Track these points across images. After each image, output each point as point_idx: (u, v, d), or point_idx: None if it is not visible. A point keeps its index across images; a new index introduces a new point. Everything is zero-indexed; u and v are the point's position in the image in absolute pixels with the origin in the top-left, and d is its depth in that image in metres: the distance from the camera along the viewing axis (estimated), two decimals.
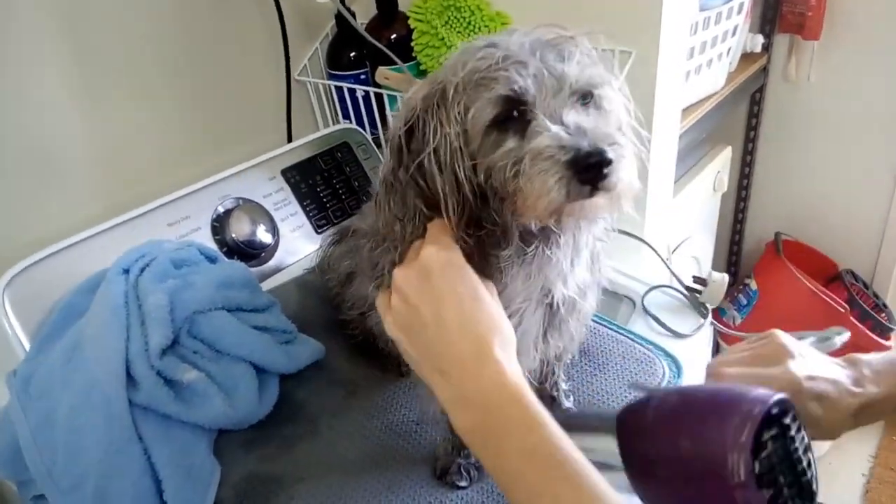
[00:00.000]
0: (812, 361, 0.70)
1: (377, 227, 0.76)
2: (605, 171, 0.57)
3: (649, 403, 0.59)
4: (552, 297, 0.72)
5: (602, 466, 0.57)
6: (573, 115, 0.60)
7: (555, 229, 0.67)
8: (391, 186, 0.66)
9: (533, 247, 0.67)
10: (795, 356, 0.70)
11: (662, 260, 1.20)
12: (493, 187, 0.63)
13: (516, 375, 0.59)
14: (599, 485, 0.53)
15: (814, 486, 0.53)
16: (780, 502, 0.51)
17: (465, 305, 0.61)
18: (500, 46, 0.62)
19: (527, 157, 0.59)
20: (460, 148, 0.63)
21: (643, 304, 1.10)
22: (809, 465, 0.53)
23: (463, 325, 0.60)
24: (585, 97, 0.63)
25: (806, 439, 0.54)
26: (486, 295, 0.63)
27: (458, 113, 0.62)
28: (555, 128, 0.58)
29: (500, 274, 0.69)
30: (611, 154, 0.57)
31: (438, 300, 0.61)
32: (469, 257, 0.65)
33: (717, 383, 0.72)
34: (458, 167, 0.63)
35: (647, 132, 0.71)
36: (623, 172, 0.58)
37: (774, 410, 0.52)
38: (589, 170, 0.57)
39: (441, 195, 0.63)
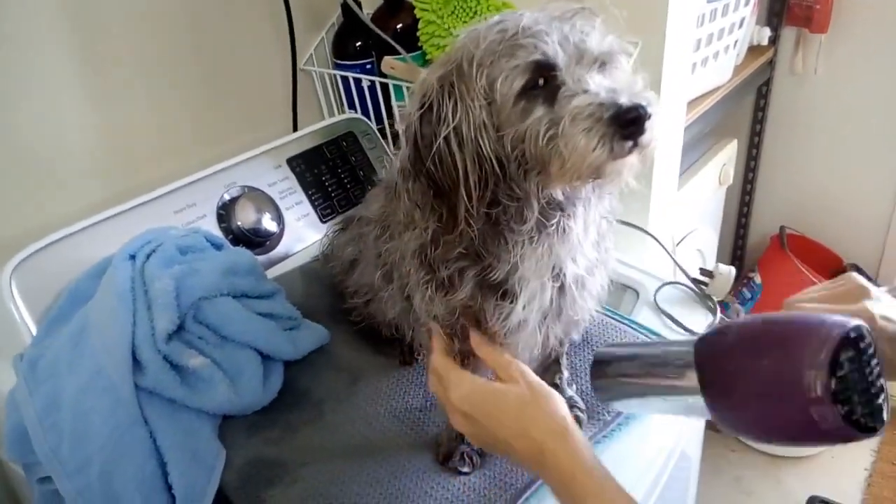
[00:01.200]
0: (889, 304, 0.72)
1: (385, 213, 0.76)
2: (646, 125, 0.58)
3: (731, 327, 0.62)
4: (563, 276, 0.72)
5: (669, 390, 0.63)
6: (599, 79, 0.61)
7: (572, 202, 0.68)
8: (409, 174, 0.66)
9: (553, 221, 0.67)
10: (872, 297, 0.72)
11: (667, 252, 1.20)
12: (518, 159, 0.63)
13: (569, 455, 0.65)
14: None
15: (885, 410, 0.55)
16: (854, 419, 0.53)
17: (505, 419, 0.69)
18: (514, 18, 0.63)
19: (566, 119, 0.59)
20: (485, 121, 0.62)
21: (656, 302, 1.09)
22: (882, 390, 0.55)
23: (512, 434, 0.69)
24: (604, 65, 0.64)
25: (879, 367, 0.55)
26: (508, 398, 0.70)
27: (482, 86, 0.62)
28: (591, 87, 0.59)
29: (508, 254, 0.69)
30: (650, 108, 0.58)
31: (485, 429, 0.71)
32: (472, 241, 0.67)
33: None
34: (483, 141, 0.62)
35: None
36: (656, 129, 0.60)
37: (852, 335, 0.54)
38: (632, 124, 0.58)
39: (461, 174, 0.63)
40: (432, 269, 0.72)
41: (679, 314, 1.06)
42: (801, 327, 0.56)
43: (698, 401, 0.61)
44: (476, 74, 0.62)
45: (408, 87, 1.31)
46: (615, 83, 0.61)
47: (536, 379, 0.71)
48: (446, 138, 0.62)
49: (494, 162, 0.63)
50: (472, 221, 0.65)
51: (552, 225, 0.68)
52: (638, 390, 0.70)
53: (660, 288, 1.11)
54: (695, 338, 0.64)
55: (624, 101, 0.57)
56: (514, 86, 0.61)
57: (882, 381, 0.55)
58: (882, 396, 0.55)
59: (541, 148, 0.61)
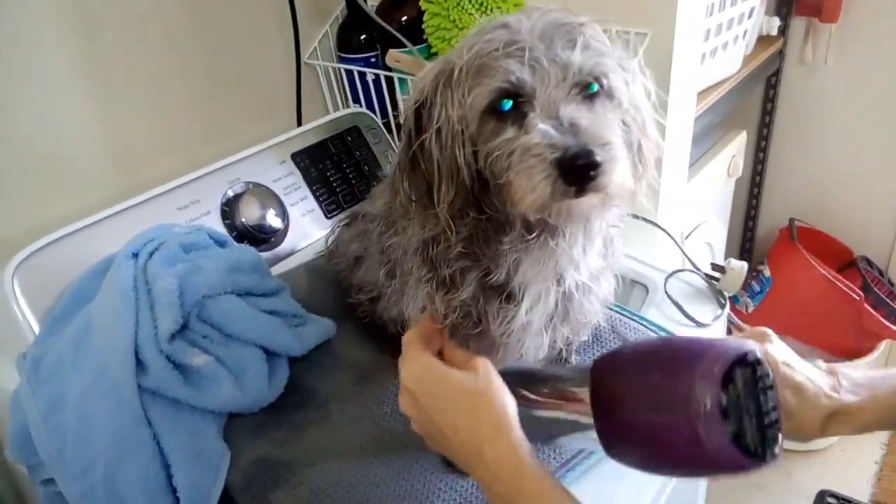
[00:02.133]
0: (793, 356, 0.70)
1: (389, 209, 0.75)
2: (593, 173, 0.55)
3: (627, 345, 0.60)
4: (565, 283, 0.71)
5: (569, 426, 0.60)
6: (571, 109, 0.58)
7: (555, 222, 0.65)
8: (405, 165, 0.66)
9: (535, 235, 0.66)
10: (775, 343, 0.71)
11: (678, 245, 1.19)
12: (492, 174, 0.62)
13: (510, 450, 0.61)
14: None
15: (777, 443, 0.52)
16: (743, 444, 0.51)
17: (449, 409, 0.65)
18: (510, 28, 0.61)
19: (517, 152, 0.58)
20: (462, 131, 0.62)
21: (666, 290, 1.08)
22: (775, 424, 0.53)
23: (455, 426, 0.64)
24: (591, 86, 0.61)
25: (776, 401, 0.53)
26: (455, 386, 0.66)
27: (462, 96, 0.61)
28: (546, 124, 0.57)
29: (503, 259, 0.68)
30: (599, 157, 0.55)
31: (430, 416, 0.67)
32: (469, 241, 0.66)
33: None
34: (459, 151, 0.62)
35: (663, 117, 0.69)
36: (614, 174, 0.57)
37: (749, 357, 0.52)
38: (575, 171, 0.55)
39: (436, 177, 0.63)
40: (434, 266, 0.71)
41: (688, 307, 1.05)
42: (699, 346, 0.54)
43: (592, 431, 0.59)
44: (458, 83, 0.61)
45: (413, 81, 1.29)
46: (585, 118, 0.58)
47: (497, 377, 0.67)
48: (430, 139, 0.62)
49: (466, 172, 0.62)
50: (452, 225, 0.64)
51: (533, 240, 0.67)
52: (547, 428, 0.67)
53: (670, 276, 1.10)
54: (590, 364, 0.62)
55: (572, 145, 0.55)
56: (478, 104, 0.60)
57: (777, 415, 0.53)
58: (776, 429, 0.52)
59: (503, 170, 0.60)
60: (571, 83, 0.59)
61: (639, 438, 0.56)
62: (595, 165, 0.55)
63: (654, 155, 0.67)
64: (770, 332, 0.72)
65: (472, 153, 0.62)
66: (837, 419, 0.67)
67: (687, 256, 1.17)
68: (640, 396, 0.56)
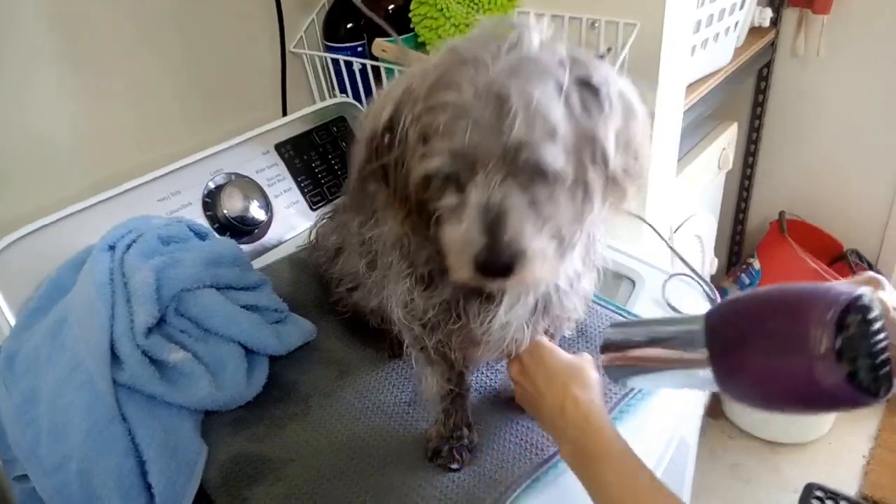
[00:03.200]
0: None
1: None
2: (511, 271, 0.58)
3: (741, 296, 0.63)
4: (545, 287, 0.71)
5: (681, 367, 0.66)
6: (503, 197, 0.58)
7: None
8: (364, 177, 0.66)
9: None
10: (887, 289, 0.71)
11: (667, 242, 1.17)
12: (434, 221, 0.64)
13: (586, 405, 0.73)
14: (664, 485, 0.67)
15: (891, 380, 0.55)
16: (856, 383, 0.54)
17: (548, 371, 0.78)
18: (470, 85, 0.57)
19: (446, 237, 0.61)
20: (410, 171, 0.62)
21: (664, 295, 1.06)
22: (886, 364, 0.55)
23: (548, 384, 0.77)
24: (527, 162, 0.59)
25: (887, 342, 0.56)
26: (560, 357, 0.78)
27: (413, 144, 0.61)
28: (476, 216, 0.58)
29: None
30: (510, 260, 0.58)
31: (532, 375, 0.79)
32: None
33: None
34: (409, 188, 0.63)
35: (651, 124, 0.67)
36: (526, 272, 0.59)
37: (860, 301, 0.55)
38: (486, 273, 0.59)
39: (395, 192, 0.65)
40: (413, 262, 0.71)
41: (679, 304, 1.04)
42: (811, 291, 0.57)
43: (707, 372, 0.62)
44: (413, 127, 0.60)
45: (400, 70, 1.27)
46: (510, 211, 0.58)
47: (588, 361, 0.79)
48: (389, 163, 0.63)
49: (414, 205, 0.64)
50: (409, 235, 0.67)
51: None
52: (648, 367, 0.71)
53: (668, 280, 1.09)
54: (704, 312, 0.65)
55: (482, 252, 0.58)
56: (421, 171, 0.60)
57: (888, 356, 0.56)
58: (887, 368, 0.55)
59: (441, 227, 0.62)
60: (512, 165, 0.58)
61: (757, 379, 0.60)
62: (505, 271, 0.58)
63: (637, 183, 0.66)
64: (882, 278, 0.72)
65: (422, 197, 0.63)
66: None
67: (677, 253, 1.16)
68: (759, 340, 0.59)
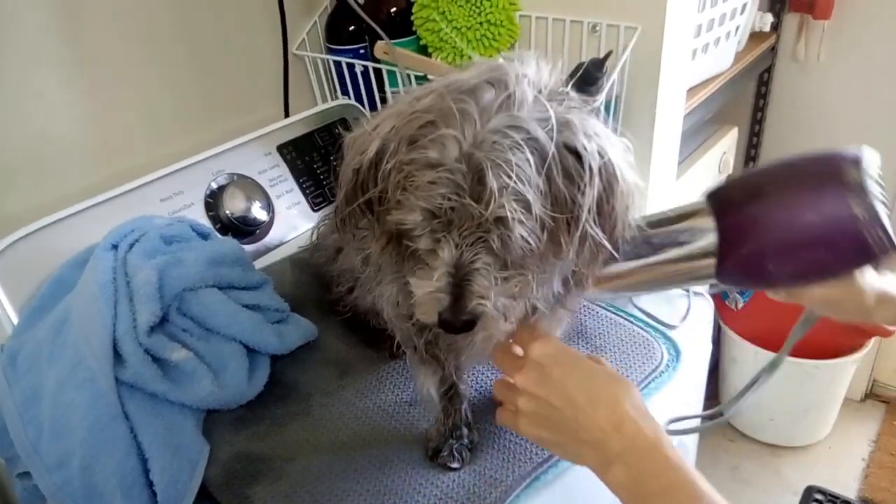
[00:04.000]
0: None
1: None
2: (465, 330, 0.62)
3: (733, 181, 0.64)
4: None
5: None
6: (475, 259, 0.60)
7: None
8: (349, 201, 0.66)
9: None
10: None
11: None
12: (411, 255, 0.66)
13: (652, 429, 0.65)
14: None
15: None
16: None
17: (588, 382, 0.69)
18: (454, 144, 0.58)
19: (412, 284, 0.64)
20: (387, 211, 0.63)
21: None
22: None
23: (592, 398, 0.67)
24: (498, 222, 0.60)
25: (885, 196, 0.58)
26: (596, 367, 0.71)
27: (394, 186, 0.61)
28: (444, 272, 0.60)
29: None
30: (470, 319, 0.61)
31: (563, 386, 0.68)
32: None
33: None
34: (388, 220, 0.64)
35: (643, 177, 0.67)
36: (486, 330, 0.63)
37: (866, 152, 0.59)
38: (449, 330, 0.62)
39: (376, 219, 0.66)
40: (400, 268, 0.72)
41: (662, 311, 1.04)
42: (822, 149, 0.59)
43: (711, 237, 0.61)
44: (392, 174, 0.61)
45: (408, 73, 1.28)
46: (478, 279, 0.60)
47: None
48: (373, 196, 0.64)
49: (396, 236, 0.65)
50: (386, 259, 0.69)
51: None
52: (645, 276, 0.70)
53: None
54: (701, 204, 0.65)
55: (445, 312, 0.61)
56: (397, 220, 0.62)
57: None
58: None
59: (416, 266, 0.65)
60: (480, 234, 0.60)
61: (777, 226, 0.58)
62: (465, 328, 0.61)
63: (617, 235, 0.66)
64: None
65: (396, 229, 0.64)
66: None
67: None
68: (781, 185, 0.59)
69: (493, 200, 0.57)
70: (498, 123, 0.58)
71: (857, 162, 0.56)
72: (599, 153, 0.61)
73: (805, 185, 0.57)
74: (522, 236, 0.59)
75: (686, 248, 0.66)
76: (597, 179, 0.61)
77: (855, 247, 0.55)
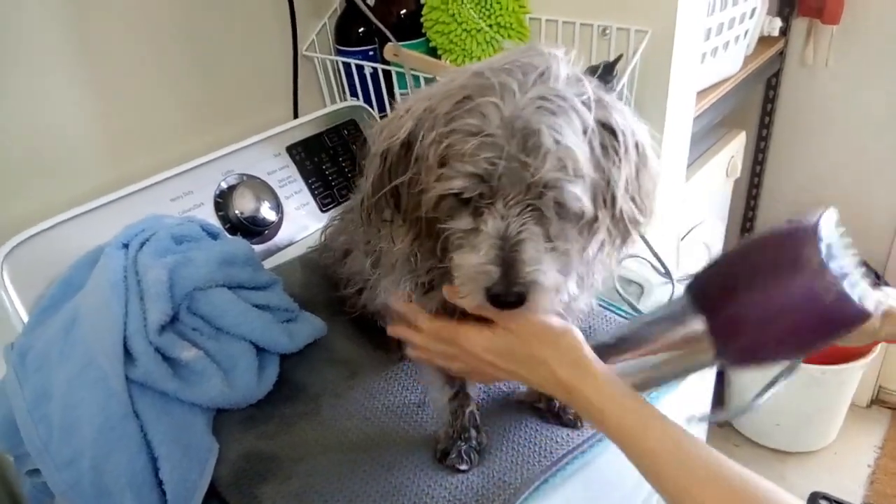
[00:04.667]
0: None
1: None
2: (524, 302, 0.60)
3: (713, 259, 0.66)
4: None
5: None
6: (522, 229, 0.59)
7: None
8: (377, 191, 0.66)
9: None
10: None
11: (650, 249, 1.16)
12: (444, 242, 0.64)
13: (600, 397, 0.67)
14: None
15: (871, 298, 0.58)
16: (849, 296, 0.56)
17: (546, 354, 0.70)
18: (495, 113, 0.58)
19: (460, 265, 0.61)
20: (425, 192, 0.62)
21: (616, 285, 1.07)
22: (861, 281, 0.58)
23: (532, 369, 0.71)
24: (542, 195, 0.60)
25: (857, 259, 0.60)
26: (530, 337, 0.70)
27: (432, 164, 0.61)
28: (491, 245, 0.59)
29: None
30: (522, 292, 0.59)
31: (528, 355, 0.71)
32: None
33: None
34: (421, 207, 0.63)
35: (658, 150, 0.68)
36: (538, 303, 0.60)
37: (827, 217, 0.59)
38: (500, 304, 0.60)
39: (404, 213, 0.65)
40: (414, 269, 0.72)
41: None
42: (782, 227, 0.61)
43: (704, 335, 0.63)
44: (434, 148, 0.60)
45: (416, 75, 1.28)
46: (526, 243, 0.59)
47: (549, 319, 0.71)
48: (403, 182, 0.63)
49: (426, 226, 0.64)
50: (415, 256, 0.67)
51: None
52: (646, 375, 0.71)
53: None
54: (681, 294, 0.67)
55: (497, 285, 0.59)
56: (439, 191, 0.60)
57: (861, 273, 0.59)
58: (865, 284, 0.58)
59: (451, 251, 0.63)
60: (529, 201, 0.59)
61: (757, 319, 0.60)
62: (517, 302, 0.59)
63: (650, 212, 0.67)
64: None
65: (431, 216, 0.63)
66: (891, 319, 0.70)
67: (661, 261, 1.14)
68: (752, 279, 0.61)
69: (547, 162, 0.57)
70: (538, 92, 0.59)
71: (814, 237, 0.57)
72: (633, 132, 0.62)
73: (772, 276, 0.59)
74: (576, 196, 0.58)
75: (687, 350, 0.68)
76: (632, 155, 0.62)
77: (833, 323, 0.58)
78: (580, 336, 0.70)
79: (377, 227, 0.70)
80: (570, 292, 0.69)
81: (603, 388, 0.67)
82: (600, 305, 1.03)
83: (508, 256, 0.59)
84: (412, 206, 0.64)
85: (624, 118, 0.62)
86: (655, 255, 1.08)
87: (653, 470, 0.64)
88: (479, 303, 0.61)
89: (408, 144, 0.63)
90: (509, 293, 0.59)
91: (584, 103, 0.60)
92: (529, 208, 0.59)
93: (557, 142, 0.57)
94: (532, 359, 0.70)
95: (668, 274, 1.09)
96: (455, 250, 0.62)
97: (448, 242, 0.63)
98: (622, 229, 0.65)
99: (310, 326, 0.98)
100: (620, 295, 1.07)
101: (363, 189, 0.68)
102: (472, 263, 0.60)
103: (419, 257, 0.70)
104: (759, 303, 0.59)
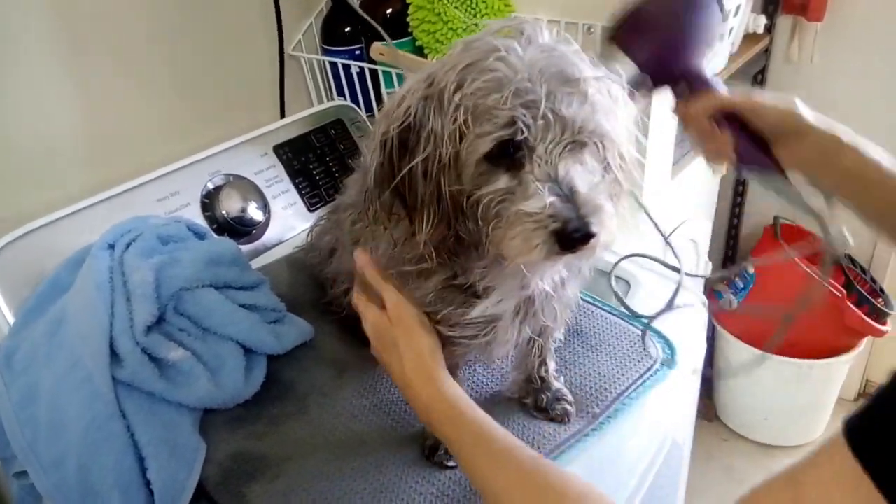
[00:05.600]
0: None
1: (362, 199, 0.75)
2: (590, 242, 0.58)
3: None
4: (530, 291, 0.72)
5: None
6: (568, 169, 0.59)
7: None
8: (379, 181, 0.65)
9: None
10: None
11: (662, 234, 1.16)
12: (477, 215, 0.62)
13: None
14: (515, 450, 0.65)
15: None
16: None
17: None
18: (509, 64, 0.58)
19: (512, 216, 0.59)
20: (449, 165, 0.61)
21: (611, 280, 1.08)
22: None
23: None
24: (583, 147, 0.61)
25: None
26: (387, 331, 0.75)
27: (454, 131, 0.59)
28: (546, 187, 0.58)
29: (471, 270, 0.69)
30: (595, 227, 0.57)
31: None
32: (438, 251, 0.66)
33: None
34: (444, 183, 0.61)
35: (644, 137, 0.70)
36: (604, 236, 0.58)
37: None
38: (573, 242, 0.57)
39: (419, 203, 0.63)
40: (402, 261, 0.72)
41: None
42: None
43: None
44: (451, 116, 0.59)
45: (397, 74, 1.28)
46: (582, 179, 0.59)
47: (411, 312, 0.73)
48: (416, 166, 0.61)
49: (449, 204, 0.62)
50: (432, 251, 0.65)
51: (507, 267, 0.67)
52: None
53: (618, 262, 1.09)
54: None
55: (573, 219, 0.57)
56: (477, 149, 0.59)
57: None
58: None
59: (490, 218, 0.61)
60: (570, 139, 0.59)
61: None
62: (592, 236, 0.57)
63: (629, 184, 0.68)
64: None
65: (458, 190, 0.62)
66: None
67: (672, 249, 1.15)
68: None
69: (581, 97, 0.58)
70: (540, 48, 0.60)
71: None
72: (616, 80, 0.65)
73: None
74: (612, 131, 0.60)
75: None
76: (622, 100, 0.64)
77: None
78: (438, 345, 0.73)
79: (384, 223, 0.67)
80: (560, 274, 0.71)
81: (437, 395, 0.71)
82: (589, 302, 1.04)
83: (568, 194, 0.58)
84: (431, 189, 0.62)
85: (608, 70, 0.64)
86: (662, 234, 1.07)
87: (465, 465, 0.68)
88: (544, 254, 0.58)
89: (412, 127, 0.62)
90: (584, 227, 0.57)
91: (577, 53, 0.62)
92: (568, 149, 0.59)
93: (584, 79, 0.58)
94: (394, 345, 0.73)
95: (675, 256, 1.08)
96: (494, 219, 0.61)
97: (486, 211, 0.61)
98: (626, 173, 0.66)
99: (297, 330, 0.98)
100: (613, 292, 1.07)
101: (367, 184, 0.66)
102: (535, 209, 0.58)
103: (406, 246, 0.69)
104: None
